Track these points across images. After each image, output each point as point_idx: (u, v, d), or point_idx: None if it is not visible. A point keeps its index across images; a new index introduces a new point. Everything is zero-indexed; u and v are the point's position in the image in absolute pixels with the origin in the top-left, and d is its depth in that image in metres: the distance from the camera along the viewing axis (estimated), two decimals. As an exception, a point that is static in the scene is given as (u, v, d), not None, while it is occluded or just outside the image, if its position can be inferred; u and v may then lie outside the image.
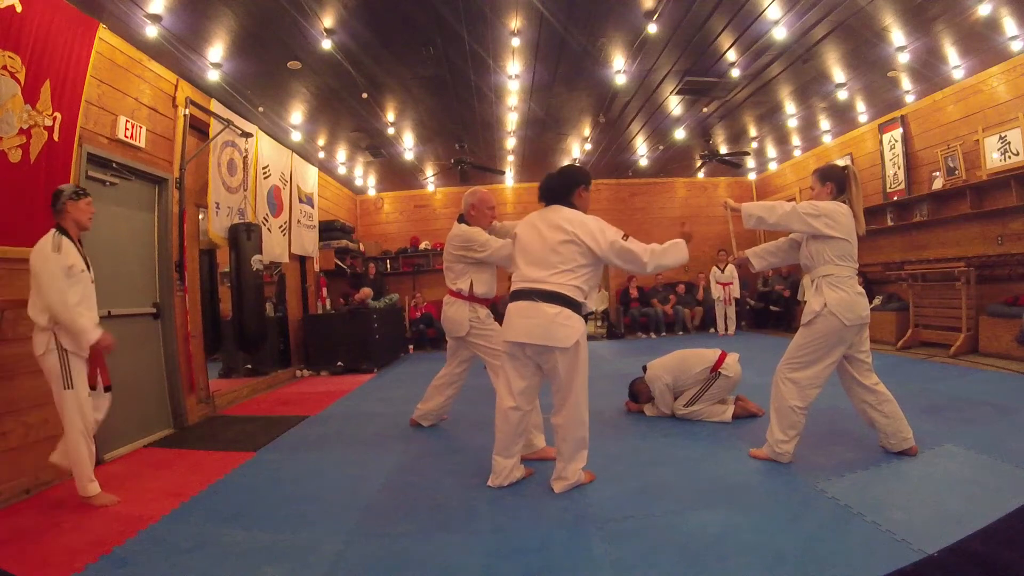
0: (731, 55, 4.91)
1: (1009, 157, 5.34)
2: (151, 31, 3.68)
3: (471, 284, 3.27)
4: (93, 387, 2.65)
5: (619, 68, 5.04)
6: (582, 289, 2.48)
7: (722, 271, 8.91)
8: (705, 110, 6.43)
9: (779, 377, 2.75)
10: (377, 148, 7.09)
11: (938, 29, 4.59)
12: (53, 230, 2.59)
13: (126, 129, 3.74)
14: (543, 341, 2.41)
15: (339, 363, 6.76)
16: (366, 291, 7.46)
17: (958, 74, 5.58)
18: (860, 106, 6.62)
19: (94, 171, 3.51)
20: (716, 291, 8.95)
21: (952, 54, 5.14)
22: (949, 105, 6.03)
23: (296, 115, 5.78)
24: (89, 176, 3.45)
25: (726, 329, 8.83)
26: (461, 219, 3.38)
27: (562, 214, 2.56)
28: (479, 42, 4.45)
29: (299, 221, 6.77)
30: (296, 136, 6.18)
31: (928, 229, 6.53)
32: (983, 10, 4.23)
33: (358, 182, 8.97)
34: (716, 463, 2.83)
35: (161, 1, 3.49)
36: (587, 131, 7.08)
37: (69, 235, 2.63)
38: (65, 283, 2.50)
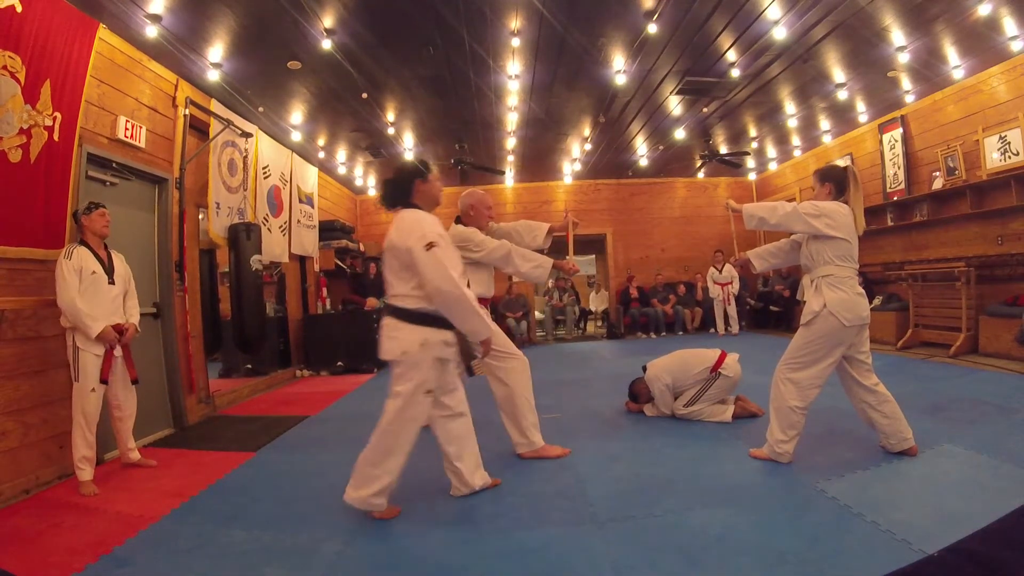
0: (731, 55, 4.91)
1: (1009, 157, 5.34)
2: (151, 31, 3.68)
3: (468, 284, 3.27)
4: (104, 380, 2.93)
5: (619, 68, 5.04)
6: (412, 295, 2.28)
7: (719, 271, 8.91)
8: (705, 110, 6.43)
9: (779, 377, 2.75)
10: (377, 148, 7.09)
11: (938, 29, 4.59)
12: (72, 243, 2.99)
13: (126, 129, 3.74)
14: (380, 355, 2.33)
15: (339, 363, 6.76)
16: (372, 302, 7.45)
17: (958, 74, 5.57)
18: (860, 106, 6.62)
19: (94, 171, 3.51)
20: (714, 291, 8.95)
21: (952, 54, 5.14)
22: (949, 105, 6.03)
23: (296, 115, 5.78)
24: (89, 176, 3.45)
25: (727, 329, 8.83)
26: (458, 220, 3.39)
27: (395, 221, 2.40)
28: (479, 42, 4.45)
29: (299, 221, 6.77)
30: (296, 136, 6.17)
31: (928, 229, 6.53)
32: (983, 10, 4.23)
33: (358, 182, 8.97)
34: (716, 463, 2.83)
35: (161, 1, 3.49)
36: (587, 131, 7.08)
37: (89, 245, 2.99)
38: (74, 284, 2.83)
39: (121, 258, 3.19)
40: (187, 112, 4.45)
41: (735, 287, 8.87)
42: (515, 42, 4.43)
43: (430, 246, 2.22)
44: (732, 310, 8.84)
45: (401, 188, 2.48)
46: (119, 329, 3.00)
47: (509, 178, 9.53)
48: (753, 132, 7.62)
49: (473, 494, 2.57)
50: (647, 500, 2.41)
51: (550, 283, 10.25)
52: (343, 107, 5.65)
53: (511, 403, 3.08)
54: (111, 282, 3.03)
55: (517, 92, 5.44)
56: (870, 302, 2.76)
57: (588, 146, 7.66)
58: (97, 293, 2.93)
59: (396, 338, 2.28)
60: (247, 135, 5.39)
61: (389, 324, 2.31)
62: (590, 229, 9.81)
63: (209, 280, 5.41)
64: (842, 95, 6.03)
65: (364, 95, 5.32)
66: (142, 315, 3.94)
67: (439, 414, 2.46)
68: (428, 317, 2.27)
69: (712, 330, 9.10)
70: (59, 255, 2.93)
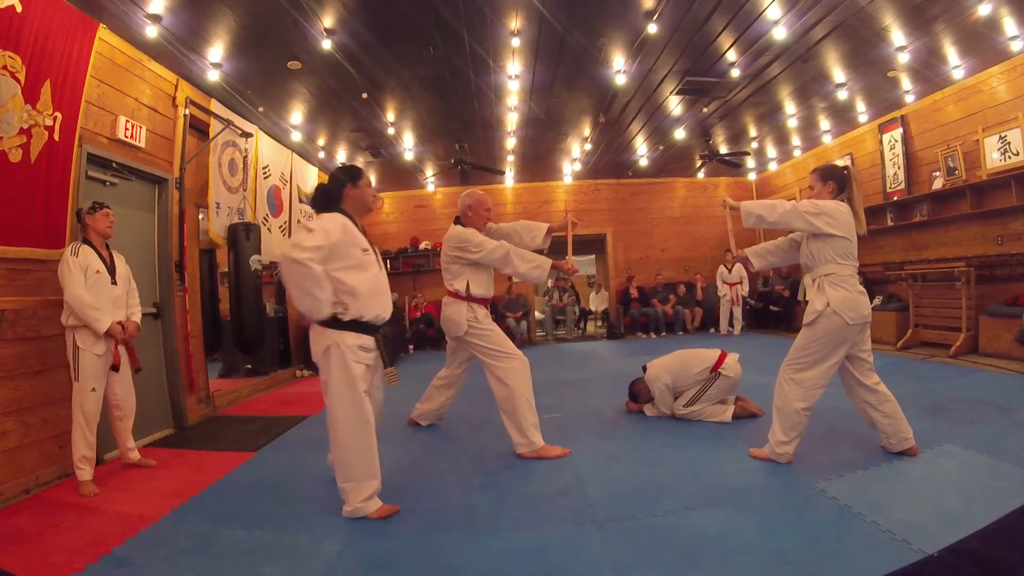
0: (731, 55, 4.91)
1: (1009, 157, 5.34)
2: (151, 31, 3.68)
3: (467, 285, 3.27)
4: (116, 367, 2.99)
5: (619, 68, 5.04)
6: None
7: (729, 271, 8.92)
8: (705, 110, 6.43)
9: (783, 378, 2.74)
10: (377, 148, 7.09)
11: (938, 29, 4.59)
12: (75, 241, 3.00)
13: (126, 129, 3.74)
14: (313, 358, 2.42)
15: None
16: None
17: (958, 74, 5.57)
18: (860, 106, 6.62)
19: (94, 171, 3.51)
20: (723, 291, 8.95)
21: (952, 54, 5.14)
22: (949, 105, 6.03)
23: (296, 115, 5.78)
24: (89, 176, 3.45)
25: (731, 329, 8.82)
26: (457, 220, 3.39)
27: None
28: (479, 42, 4.45)
29: (299, 221, 6.76)
30: (296, 136, 6.18)
31: (928, 229, 6.53)
32: (983, 10, 4.23)
33: (358, 182, 8.96)
34: (716, 463, 2.83)
35: (161, 1, 3.49)
36: (587, 131, 7.08)
37: (92, 245, 3.00)
38: (80, 279, 2.85)
39: (122, 259, 3.20)
40: (187, 112, 4.45)
41: (744, 288, 8.87)
42: (515, 42, 4.43)
43: (306, 229, 2.24)
44: (738, 311, 8.82)
45: (331, 193, 2.47)
46: (122, 325, 3.03)
47: (509, 178, 9.53)
48: (753, 132, 7.61)
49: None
50: (647, 500, 2.41)
51: (550, 283, 10.26)
52: (343, 107, 5.65)
53: (511, 403, 3.08)
54: (113, 282, 3.05)
55: (517, 92, 5.44)
56: (870, 302, 2.76)
57: (588, 146, 7.66)
58: (100, 292, 2.94)
59: (317, 341, 2.34)
60: (247, 135, 5.39)
61: (313, 328, 2.37)
62: (590, 229, 9.81)
63: (209, 280, 5.41)
64: (842, 95, 6.03)
65: (364, 95, 5.32)
66: (142, 315, 3.96)
67: None
68: (342, 322, 2.31)
69: (712, 330, 9.11)
70: (61, 254, 2.94)
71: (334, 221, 2.31)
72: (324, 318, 2.27)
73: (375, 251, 2.49)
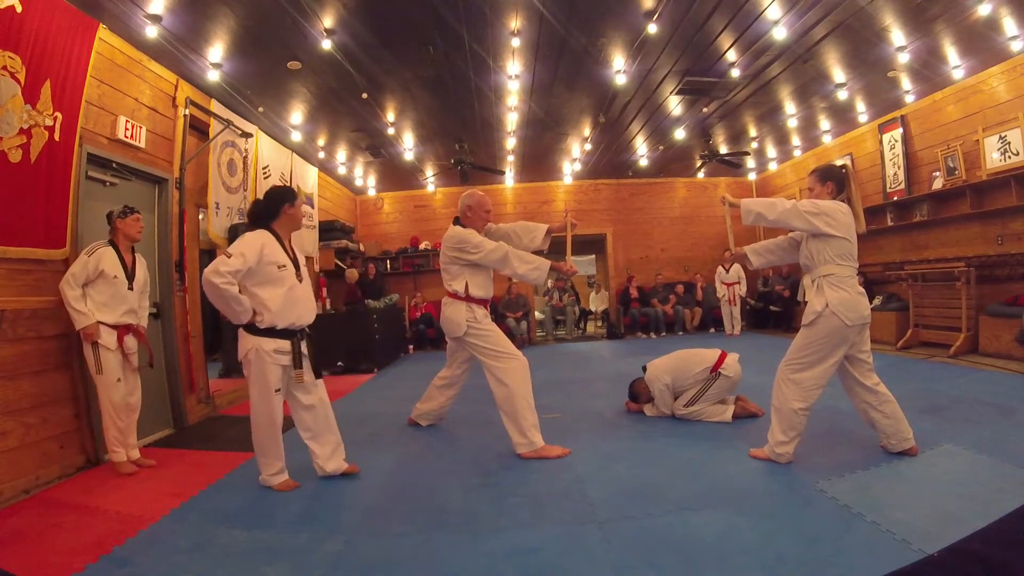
0: (731, 55, 4.92)
1: (1009, 157, 5.34)
2: (151, 31, 3.68)
3: (466, 285, 3.27)
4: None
5: (619, 68, 5.04)
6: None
7: (727, 271, 8.92)
8: (705, 110, 6.43)
9: (781, 378, 2.75)
10: (377, 148, 7.09)
11: (938, 29, 4.59)
12: (100, 241, 3.12)
13: (126, 129, 3.74)
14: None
15: (339, 363, 6.76)
16: (352, 274, 7.62)
17: (958, 74, 5.58)
18: (860, 106, 6.62)
19: (94, 171, 3.51)
20: (721, 291, 8.95)
21: (952, 54, 5.14)
22: (949, 105, 6.03)
23: (296, 115, 5.78)
24: (89, 176, 3.45)
25: (732, 329, 8.82)
26: (456, 221, 3.39)
27: None
28: (479, 42, 4.45)
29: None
30: (296, 136, 6.18)
31: (928, 229, 6.53)
32: (983, 10, 4.23)
33: (358, 182, 8.97)
34: (716, 463, 2.83)
35: (161, 1, 3.49)
36: (587, 131, 7.09)
37: (117, 247, 3.11)
38: (79, 278, 2.94)
39: (143, 263, 3.29)
40: (187, 112, 4.45)
41: (742, 288, 8.88)
42: (515, 42, 4.43)
43: (227, 254, 2.51)
44: (736, 311, 8.83)
45: (269, 210, 2.73)
46: (131, 330, 3.14)
47: (509, 178, 9.53)
48: (753, 132, 7.62)
49: (344, 477, 2.87)
50: (647, 500, 2.41)
51: (550, 283, 10.27)
52: (343, 107, 5.65)
53: (511, 403, 3.08)
54: (130, 288, 3.13)
55: (517, 92, 5.44)
56: (870, 302, 2.77)
57: (588, 146, 7.66)
58: (116, 295, 3.04)
59: (242, 345, 2.66)
60: (247, 135, 5.39)
61: (240, 333, 2.68)
62: (590, 229, 9.82)
63: (209, 280, 5.41)
64: (842, 95, 6.03)
65: (364, 95, 5.32)
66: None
67: (295, 405, 2.81)
68: (260, 329, 2.61)
69: (713, 330, 9.12)
70: (61, 254, 3.05)
71: (253, 246, 2.57)
72: (244, 323, 2.61)
73: (297, 264, 2.74)
